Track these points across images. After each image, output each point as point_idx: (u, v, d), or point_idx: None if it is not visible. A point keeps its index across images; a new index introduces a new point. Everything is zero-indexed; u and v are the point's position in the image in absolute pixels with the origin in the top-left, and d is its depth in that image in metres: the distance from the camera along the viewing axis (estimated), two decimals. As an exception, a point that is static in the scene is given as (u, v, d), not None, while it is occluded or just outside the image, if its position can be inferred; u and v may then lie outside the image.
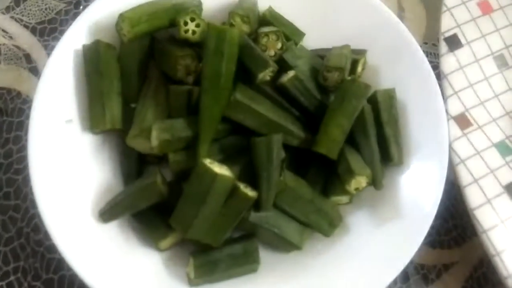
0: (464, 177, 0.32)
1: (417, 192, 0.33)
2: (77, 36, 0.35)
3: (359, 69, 0.37)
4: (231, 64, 0.31)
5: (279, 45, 0.34)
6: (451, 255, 0.37)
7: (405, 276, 0.36)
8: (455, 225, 0.37)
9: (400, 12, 0.45)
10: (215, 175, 0.29)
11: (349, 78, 0.34)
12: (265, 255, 0.33)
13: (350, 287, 0.31)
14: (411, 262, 0.36)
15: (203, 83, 0.32)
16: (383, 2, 0.43)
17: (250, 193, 0.30)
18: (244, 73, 0.33)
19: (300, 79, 0.34)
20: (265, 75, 0.33)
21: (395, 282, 0.34)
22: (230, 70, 0.31)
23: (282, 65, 0.34)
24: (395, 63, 0.37)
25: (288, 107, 0.34)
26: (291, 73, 0.34)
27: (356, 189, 0.32)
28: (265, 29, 0.35)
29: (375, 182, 0.32)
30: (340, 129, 0.33)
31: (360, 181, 0.32)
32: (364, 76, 0.37)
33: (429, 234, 0.36)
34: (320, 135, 0.33)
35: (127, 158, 0.35)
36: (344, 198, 0.34)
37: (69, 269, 0.34)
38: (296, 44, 0.38)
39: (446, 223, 0.37)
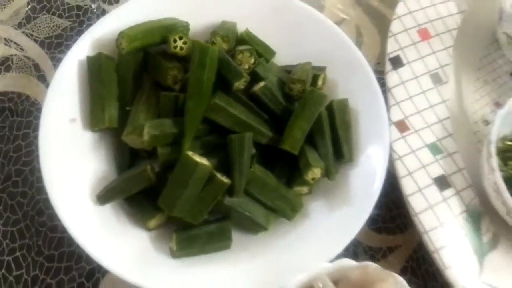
0: (401, 170, 0.39)
1: (363, 183, 0.39)
2: (82, 48, 0.41)
3: (320, 82, 0.44)
4: (211, 75, 0.38)
5: (252, 60, 0.41)
6: (394, 240, 0.42)
7: (355, 256, 0.41)
8: (398, 214, 0.43)
9: (359, 37, 0.52)
10: (196, 164, 0.35)
11: (309, 88, 0.41)
12: (237, 236, 0.39)
13: (307, 260, 0.36)
14: (361, 244, 0.43)
15: (188, 90, 0.38)
16: (345, 29, 0.51)
17: (225, 180, 0.36)
18: (223, 83, 0.40)
19: (269, 88, 0.40)
20: (240, 84, 0.39)
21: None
22: (210, 79, 0.38)
23: (255, 77, 0.41)
24: (349, 78, 0.43)
25: (258, 111, 0.40)
26: (261, 83, 0.40)
27: (313, 179, 0.39)
28: (241, 47, 0.41)
29: (328, 173, 0.39)
30: (301, 130, 0.39)
31: (315, 172, 0.38)
32: (324, 88, 0.44)
33: (376, 221, 0.44)
34: (285, 135, 0.39)
35: (121, 152, 0.41)
36: (304, 189, 0.41)
37: (68, 246, 0.40)
38: (267, 60, 0.44)
39: (390, 212, 0.43)
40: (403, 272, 0.41)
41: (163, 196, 0.36)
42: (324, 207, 0.40)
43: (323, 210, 0.40)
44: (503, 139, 0.43)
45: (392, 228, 0.43)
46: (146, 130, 0.37)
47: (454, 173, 0.40)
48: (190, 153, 0.35)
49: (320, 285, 0.32)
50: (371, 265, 0.34)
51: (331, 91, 0.44)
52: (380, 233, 0.43)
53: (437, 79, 0.44)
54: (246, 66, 0.41)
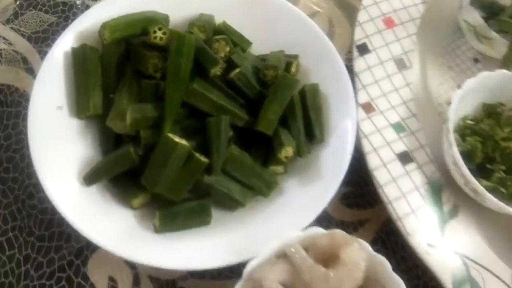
0: (366, 147, 0.41)
1: (333, 160, 0.42)
2: (67, 40, 0.43)
3: (293, 69, 0.46)
4: (188, 61, 0.40)
5: (227, 49, 0.43)
6: (365, 214, 0.45)
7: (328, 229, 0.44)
8: (368, 191, 0.46)
9: (331, 28, 0.55)
10: (175, 143, 0.38)
11: (282, 74, 0.43)
12: (217, 213, 0.41)
13: (281, 230, 0.37)
14: (333, 219, 0.46)
15: (167, 76, 0.40)
16: (318, 20, 0.54)
17: (203, 159, 0.39)
18: (200, 70, 0.42)
19: (244, 74, 0.43)
20: (216, 70, 0.42)
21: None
22: (188, 66, 0.40)
23: (231, 64, 0.44)
24: (320, 65, 0.46)
25: (235, 96, 0.43)
26: (237, 70, 0.43)
27: (286, 157, 0.41)
28: (217, 37, 0.44)
29: (299, 151, 0.42)
30: (274, 112, 0.42)
31: (288, 151, 0.41)
32: (298, 75, 0.47)
33: (348, 197, 0.46)
34: (260, 117, 0.42)
35: (106, 138, 0.43)
36: (280, 168, 0.43)
37: (58, 226, 0.42)
38: (244, 50, 0.47)
39: (361, 189, 0.46)
40: (373, 244, 0.44)
41: (145, 174, 0.38)
42: (298, 184, 0.43)
43: (296, 187, 0.43)
44: (464, 118, 0.46)
45: (363, 203, 0.46)
46: (129, 114, 0.39)
47: (416, 149, 0.43)
48: (170, 134, 0.38)
49: (292, 249, 0.35)
50: (338, 232, 0.37)
51: (304, 77, 0.46)
52: (351, 208, 0.46)
53: (401, 64, 0.47)
54: (222, 54, 0.43)
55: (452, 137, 0.40)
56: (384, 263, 0.36)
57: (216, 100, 0.41)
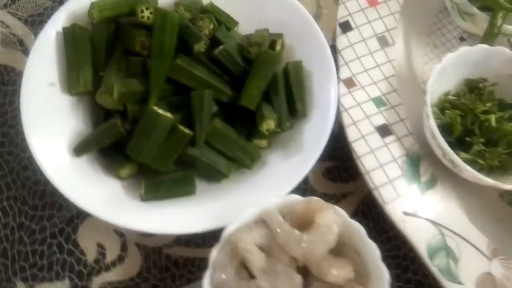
0: (346, 120, 0.42)
1: (315, 133, 0.43)
2: (59, 21, 0.45)
3: (278, 47, 0.47)
4: (172, 38, 0.41)
5: (211, 26, 0.44)
6: (347, 187, 0.46)
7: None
8: (351, 165, 0.47)
9: (318, 9, 0.56)
10: (159, 115, 0.39)
11: (265, 50, 0.44)
12: (202, 185, 0.43)
13: (262, 199, 0.39)
14: (316, 191, 0.47)
15: (152, 52, 0.41)
16: (306, 2, 0.54)
17: (187, 131, 0.40)
18: (185, 47, 0.44)
19: (227, 51, 0.44)
20: (200, 47, 0.43)
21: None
22: (172, 42, 0.41)
23: (215, 42, 0.45)
24: (304, 44, 0.47)
25: (219, 72, 0.44)
26: (221, 47, 0.44)
27: (267, 130, 0.42)
28: (202, 15, 0.45)
29: (280, 124, 0.43)
30: (257, 88, 0.43)
31: (269, 123, 0.42)
32: (283, 53, 0.48)
33: (332, 172, 0.47)
34: (243, 93, 0.43)
35: (96, 113, 0.44)
36: (263, 142, 0.44)
37: (50, 196, 0.44)
38: (229, 29, 0.48)
39: (345, 163, 0.47)
40: (354, 215, 0.45)
41: (130, 145, 0.40)
42: (281, 157, 0.44)
43: (279, 160, 0.44)
44: (446, 94, 0.46)
45: (345, 177, 0.47)
46: (115, 88, 0.41)
47: (396, 123, 0.43)
48: (154, 107, 0.39)
49: (269, 214, 0.36)
50: (315, 199, 0.38)
51: (288, 55, 0.48)
52: (335, 182, 0.47)
53: (383, 41, 0.48)
54: (206, 32, 0.44)
55: (429, 109, 0.40)
56: (359, 230, 0.37)
57: (200, 75, 0.42)
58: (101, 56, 0.45)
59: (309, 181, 0.46)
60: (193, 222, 0.39)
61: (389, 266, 0.43)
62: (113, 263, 0.41)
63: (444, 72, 0.44)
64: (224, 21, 0.47)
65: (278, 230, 0.36)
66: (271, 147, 0.45)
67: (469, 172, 0.40)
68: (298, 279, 0.34)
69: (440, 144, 0.40)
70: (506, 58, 0.44)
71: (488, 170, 0.43)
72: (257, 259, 0.34)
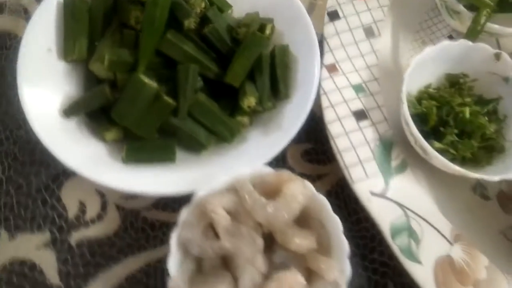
0: (325, 102, 0.44)
1: (294, 114, 0.44)
2: (60, -8, 0.48)
3: (268, 31, 0.49)
4: (163, 12, 0.43)
5: (203, 5, 0.46)
6: (324, 169, 0.47)
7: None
8: (329, 147, 0.47)
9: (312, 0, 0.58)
10: (144, 83, 0.41)
11: (252, 31, 0.46)
12: (182, 154, 0.44)
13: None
14: (294, 171, 0.48)
15: (143, 25, 0.43)
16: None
17: (170, 101, 0.42)
18: (176, 24, 0.45)
19: (216, 30, 0.46)
20: (190, 23, 0.45)
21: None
22: (162, 16, 0.43)
23: (206, 21, 0.47)
24: (293, 29, 0.48)
25: (207, 50, 0.46)
26: (210, 25, 0.46)
27: (248, 106, 0.44)
28: (194, -6, 0.47)
29: (261, 102, 0.44)
30: (242, 66, 0.45)
31: (250, 100, 0.44)
32: (273, 37, 0.49)
33: (310, 154, 0.49)
34: (229, 70, 0.45)
35: (89, 81, 0.46)
36: (245, 119, 0.46)
37: (39, 154, 0.46)
38: (222, 11, 0.50)
39: (323, 146, 0.48)
40: (327, 195, 0.45)
41: (116, 109, 0.42)
42: (260, 134, 0.45)
43: (259, 137, 0.45)
44: (427, 87, 0.48)
45: (323, 159, 0.48)
46: (106, 56, 0.43)
47: (373, 109, 0.45)
48: (139, 75, 0.41)
49: (240, 182, 0.38)
50: (286, 171, 0.39)
51: (277, 40, 0.49)
52: (312, 163, 0.48)
53: (370, 32, 0.49)
54: (198, 10, 0.46)
55: (404, 96, 0.42)
56: (325, 204, 0.38)
57: (188, 50, 0.44)
58: (97, 27, 0.47)
59: (287, 161, 0.48)
60: (170, 186, 0.41)
61: (357, 246, 0.45)
62: (92, 221, 0.43)
63: (424, 64, 0.45)
64: (217, 3, 0.49)
65: (246, 196, 0.37)
66: (253, 125, 0.47)
67: (439, 159, 0.41)
68: (259, 241, 0.36)
69: (412, 131, 0.42)
70: (487, 55, 0.46)
71: (461, 161, 0.44)
72: (222, 221, 0.36)
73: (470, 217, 0.43)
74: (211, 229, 0.37)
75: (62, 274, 0.41)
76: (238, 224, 0.37)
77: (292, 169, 0.47)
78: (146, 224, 0.44)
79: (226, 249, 0.36)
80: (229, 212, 0.38)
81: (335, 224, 0.38)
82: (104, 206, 0.44)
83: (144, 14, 0.43)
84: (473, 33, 0.46)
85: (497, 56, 0.45)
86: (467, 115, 0.42)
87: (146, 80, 0.41)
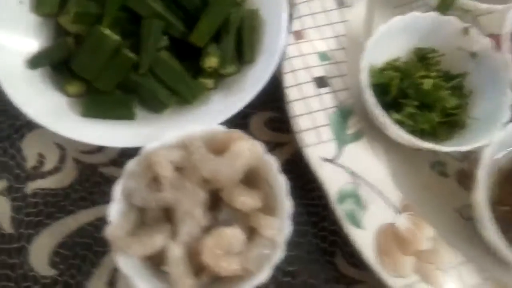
0: (286, 67, 0.43)
1: (256, 78, 0.44)
2: None
3: (241, -4, 0.49)
4: (131, -32, 0.43)
5: (175, -36, 0.46)
6: (285, 138, 0.47)
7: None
8: (293, 117, 0.48)
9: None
10: (104, 35, 0.41)
11: None
12: (143, 112, 0.44)
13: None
14: (255, 136, 0.47)
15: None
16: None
17: (130, 55, 0.42)
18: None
19: (184, -9, 0.46)
20: (157, -19, 0.44)
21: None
22: (130, -28, 0.43)
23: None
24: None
25: (175, 9, 0.45)
26: (179, -13, 0.46)
27: (209, 67, 0.44)
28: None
29: (223, 63, 0.44)
30: (208, 27, 0.44)
31: (212, 61, 0.43)
32: (246, 2, 0.48)
33: (273, 121, 0.48)
34: (195, 30, 0.44)
35: (58, 35, 0.46)
36: (209, 82, 0.46)
37: (3, 105, 0.46)
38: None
39: (286, 116, 0.47)
40: (287, 163, 0.46)
41: (76, 60, 0.42)
42: (222, 97, 0.45)
43: (221, 98, 0.45)
44: (395, 60, 0.46)
45: (285, 128, 0.47)
46: (73, 10, 0.43)
47: (335, 77, 0.44)
48: (101, 27, 0.41)
49: (189, 137, 0.38)
50: (237, 131, 0.39)
51: (250, 4, 0.48)
52: (274, 131, 0.48)
53: (340, 2, 0.48)
54: (168, -31, 0.46)
55: (364, 63, 0.41)
56: (272, 164, 0.38)
57: (154, 7, 0.43)
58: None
59: (249, 128, 0.48)
60: (127, 140, 0.41)
61: (309, 213, 0.45)
62: (50, 172, 0.44)
63: (391, 35, 0.44)
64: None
65: (193, 150, 0.37)
66: (218, 87, 0.46)
67: (392, 128, 0.40)
68: (201, 195, 0.36)
69: (366, 97, 0.41)
70: (455, 29, 0.44)
71: (420, 134, 0.43)
72: (167, 173, 0.36)
73: (426, 193, 0.43)
74: (157, 182, 0.37)
75: (15, 222, 0.42)
76: (183, 178, 0.37)
77: (253, 135, 0.47)
78: (102, 179, 0.44)
79: (168, 201, 0.35)
80: (176, 167, 0.38)
81: (281, 184, 0.37)
82: (62, 159, 0.44)
83: (111, -32, 0.43)
84: (443, 6, 0.45)
85: (466, 31, 0.44)
86: (427, 86, 0.42)
87: (107, 32, 0.41)
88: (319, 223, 0.43)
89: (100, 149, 0.45)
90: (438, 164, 0.45)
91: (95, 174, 0.44)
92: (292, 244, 0.42)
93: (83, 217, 0.42)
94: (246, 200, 0.37)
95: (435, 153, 0.44)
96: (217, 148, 0.38)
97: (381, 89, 0.44)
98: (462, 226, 0.42)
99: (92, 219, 0.42)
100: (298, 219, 0.43)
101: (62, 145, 0.45)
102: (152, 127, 0.43)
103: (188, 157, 0.37)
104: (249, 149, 0.37)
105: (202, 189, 0.36)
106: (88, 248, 0.41)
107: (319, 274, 0.42)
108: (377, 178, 0.40)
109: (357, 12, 0.49)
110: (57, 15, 0.46)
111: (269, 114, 0.48)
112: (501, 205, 0.40)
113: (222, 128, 0.40)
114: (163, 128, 0.43)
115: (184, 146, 0.38)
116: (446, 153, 0.44)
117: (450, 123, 0.44)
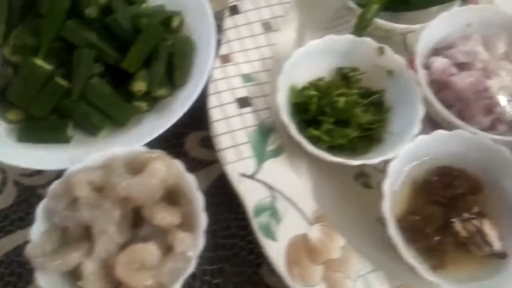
0: (211, 89, 0.45)
1: (185, 99, 0.46)
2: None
3: (175, 23, 0.51)
4: (63, 1, 0.45)
5: (106, -3, 0.49)
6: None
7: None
8: (225, 135, 0.50)
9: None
10: (35, 65, 0.43)
11: (149, 21, 0.47)
12: (79, 136, 0.46)
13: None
14: (189, 154, 0.49)
15: (45, 12, 0.45)
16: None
17: (62, 82, 0.44)
18: (79, 12, 0.47)
19: (117, 20, 0.47)
20: (90, 12, 0.46)
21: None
22: (63, 5, 0.45)
23: (109, 11, 0.49)
24: (197, 21, 0.50)
25: (108, 38, 0.48)
26: (112, 16, 0.48)
27: (139, 91, 0.46)
28: (99, -12, 0.49)
29: (152, 86, 0.46)
30: (138, 53, 0.47)
31: (140, 85, 0.46)
32: (182, 28, 0.51)
33: (208, 140, 0.49)
34: (126, 57, 0.46)
35: (4, 65, 0.48)
36: (143, 105, 0.47)
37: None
38: (132, 3, 0.51)
39: (219, 133, 0.50)
40: (218, 179, 0.47)
41: (10, 89, 0.44)
42: (155, 118, 0.47)
43: (153, 120, 0.47)
44: (319, 80, 0.48)
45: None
46: (11, 40, 0.45)
47: (257, 97, 0.46)
48: (33, 58, 0.43)
49: (111, 159, 0.39)
50: (157, 151, 0.41)
51: (185, 31, 0.51)
52: (207, 149, 0.49)
53: (267, 27, 0.50)
54: (102, 1, 0.48)
55: (281, 84, 0.43)
56: (191, 182, 0.40)
57: (87, 37, 0.46)
58: (16, 16, 0.49)
59: (185, 146, 0.49)
60: (63, 163, 0.42)
61: (237, 227, 0.46)
62: (-9, 194, 0.46)
63: (311, 57, 0.46)
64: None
65: (112, 171, 0.39)
66: (152, 110, 0.48)
67: (302, 141, 0.41)
68: (117, 213, 0.37)
69: (281, 117, 0.42)
70: (371, 49, 0.46)
71: (339, 149, 0.44)
72: (83, 193, 0.37)
73: (348, 204, 0.44)
74: (76, 202, 0.39)
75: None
76: (103, 198, 0.38)
77: (187, 153, 0.49)
78: (40, 200, 0.45)
79: (84, 220, 0.37)
80: (96, 187, 0.39)
81: (197, 200, 0.39)
82: (4, 182, 0.46)
83: (45, 2, 0.46)
84: (359, 29, 0.47)
85: (381, 50, 0.46)
86: (341, 104, 0.43)
87: (39, 62, 0.43)
88: (246, 236, 0.44)
89: (39, 171, 0.47)
90: (362, 175, 0.46)
91: (33, 196, 0.46)
92: (219, 258, 0.44)
93: (21, 236, 0.44)
94: (164, 217, 0.39)
95: (359, 165, 0.46)
96: (138, 168, 0.40)
97: (302, 107, 0.46)
98: (381, 237, 0.43)
99: (28, 239, 0.44)
100: (225, 232, 0.46)
101: (3, 169, 0.47)
102: (87, 149, 0.45)
103: (107, 178, 0.39)
104: (165, 168, 0.38)
105: (120, 208, 0.38)
106: (24, 266, 0.43)
107: (245, 286, 0.43)
108: (295, 192, 0.42)
109: (286, 36, 0.51)
110: (2, 46, 0.49)
111: (204, 133, 0.50)
112: (413, 215, 0.41)
113: (144, 149, 0.41)
114: (98, 150, 0.45)
115: (105, 167, 0.40)
116: (370, 165, 0.46)
117: (369, 137, 0.45)
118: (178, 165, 0.40)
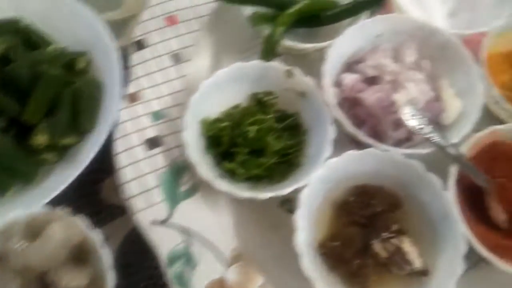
0: (119, 133, 0.43)
1: (91, 145, 0.42)
2: None
3: (82, 64, 0.48)
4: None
5: (4, 45, 0.45)
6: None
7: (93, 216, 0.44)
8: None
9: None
10: None
11: (43, 70, 0.44)
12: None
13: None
14: (104, 202, 0.46)
15: None
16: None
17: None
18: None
19: (15, 70, 0.44)
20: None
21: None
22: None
23: (8, 61, 0.46)
24: (102, 61, 0.47)
25: (10, 90, 0.44)
26: (12, 65, 0.44)
27: (39, 144, 0.43)
28: (-3, 37, 0.46)
29: (55, 137, 0.43)
30: (38, 104, 0.44)
31: (39, 139, 0.43)
32: (89, 69, 0.49)
33: None
34: (26, 108, 0.43)
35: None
36: (50, 156, 0.44)
37: None
38: (37, 48, 0.49)
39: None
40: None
41: None
42: (65, 169, 0.44)
43: (63, 171, 0.44)
44: (235, 107, 0.45)
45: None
46: None
47: (169, 135, 0.44)
48: None
49: (5, 226, 0.37)
50: (57, 211, 0.38)
51: (94, 72, 0.48)
52: (126, 192, 0.47)
53: (177, 58, 0.48)
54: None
55: (188, 118, 0.41)
56: (95, 239, 0.37)
57: (-17, 93, 0.43)
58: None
59: (101, 193, 0.47)
60: None
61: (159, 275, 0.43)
62: None
63: (220, 87, 0.44)
64: (34, 38, 0.48)
65: (10, 238, 0.36)
66: (62, 159, 0.45)
67: (213, 183, 0.39)
68: (14, 283, 0.34)
69: (189, 154, 0.40)
70: (279, 73, 0.45)
71: (256, 179, 0.42)
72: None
73: (273, 233, 0.42)
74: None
75: None
76: (1, 267, 0.36)
77: (102, 200, 0.46)
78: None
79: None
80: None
81: (105, 257, 0.37)
82: None
83: None
84: (266, 53, 0.45)
85: (289, 73, 0.45)
86: (251, 134, 0.41)
87: None
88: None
89: None
90: (286, 201, 0.45)
91: None
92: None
93: None
94: (69, 281, 0.36)
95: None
96: (38, 232, 0.37)
97: (215, 140, 0.43)
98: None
99: None
100: (147, 282, 0.43)
101: None
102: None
103: (4, 246, 0.36)
104: (63, 230, 0.36)
105: (21, 277, 0.35)
106: None
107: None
108: (213, 231, 0.40)
109: (197, 65, 0.49)
110: None
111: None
112: (333, 240, 0.40)
113: (44, 210, 0.38)
114: (9, 209, 0.42)
115: (3, 233, 0.37)
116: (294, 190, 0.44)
117: (288, 162, 0.44)
118: (79, 223, 0.37)
